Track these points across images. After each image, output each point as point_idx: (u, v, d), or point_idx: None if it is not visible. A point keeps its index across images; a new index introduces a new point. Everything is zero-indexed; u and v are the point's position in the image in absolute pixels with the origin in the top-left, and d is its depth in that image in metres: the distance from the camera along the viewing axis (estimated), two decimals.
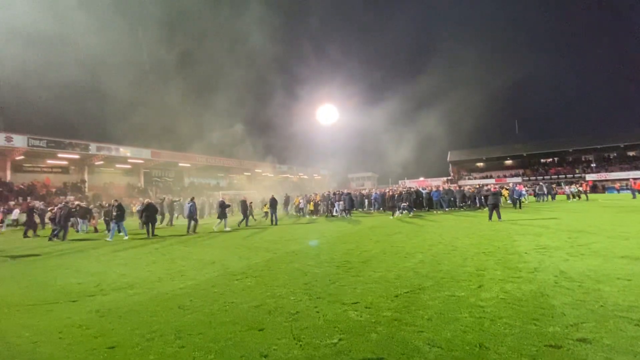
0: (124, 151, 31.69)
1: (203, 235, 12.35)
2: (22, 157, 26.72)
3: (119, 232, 12.05)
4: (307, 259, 6.78)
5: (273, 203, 15.82)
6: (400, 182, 54.63)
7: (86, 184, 30.96)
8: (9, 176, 26.28)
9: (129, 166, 35.64)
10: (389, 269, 5.58)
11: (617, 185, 37.65)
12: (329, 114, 43.35)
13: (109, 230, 12.76)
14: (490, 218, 12.33)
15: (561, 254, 6.12)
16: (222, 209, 13.42)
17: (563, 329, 2.98)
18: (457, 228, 10.84)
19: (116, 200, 13.03)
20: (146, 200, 13.78)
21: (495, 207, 12.30)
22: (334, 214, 19.12)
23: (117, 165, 34.97)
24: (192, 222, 13.21)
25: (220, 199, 15.70)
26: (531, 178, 49.33)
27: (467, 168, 60.49)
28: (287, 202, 22.03)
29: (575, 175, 47.33)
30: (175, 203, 18.68)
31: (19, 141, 24.27)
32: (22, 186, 25.60)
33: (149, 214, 12.35)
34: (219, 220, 13.50)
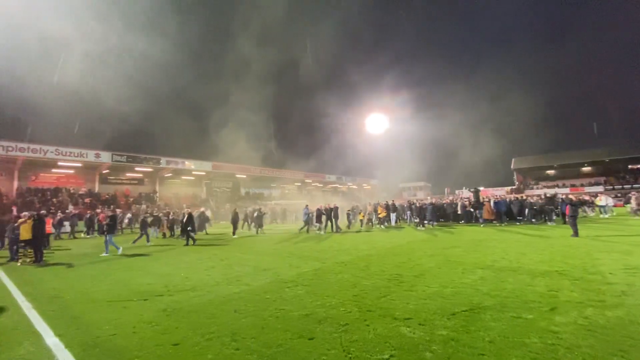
0: (189, 164, 34.78)
1: (257, 242, 12.91)
2: (107, 170, 30.80)
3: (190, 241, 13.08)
4: (356, 270, 6.68)
5: (335, 212, 16.43)
6: (457, 192, 51.38)
7: (157, 194, 34.48)
8: (97, 187, 30.42)
9: (192, 178, 38.95)
10: (445, 285, 5.25)
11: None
12: (379, 122, 42.93)
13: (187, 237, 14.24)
14: (576, 234, 10.59)
15: None
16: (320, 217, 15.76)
17: None
18: (524, 243, 9.83)
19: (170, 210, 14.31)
20: (187, 210, 14.57)
21: (572, 219, 10.77)
22: (392, 224, 18.53)
23: (183, 177, 38.42)
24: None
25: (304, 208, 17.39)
26: (616, 187, 42.92)
27: (535, 176, 54.69)
28: (354, 211, 21.86)
29: None
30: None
31: (105, 157, 28.07)
32: (107, 196, 29.40)
33: (190, 223, 12.99)
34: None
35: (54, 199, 25.26)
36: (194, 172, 36.89)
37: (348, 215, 18.72)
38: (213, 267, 7.83)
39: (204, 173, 37.69)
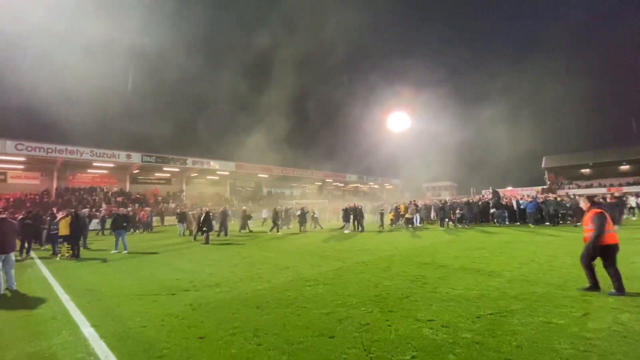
0: (214, 164, 35.83)
1: (278, 241, 13.09)
2: (137, 170, 32.28)
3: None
4: (378, 271, 6.64)
5: (360, 212, 16.64)
6: (483, 191, 49.66)
7: (184, 193, 35.72)
8: (128, 187, 31.94)
9: (217, 177, 40.05)
10: (470, 287, 5.11)
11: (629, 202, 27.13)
12: (402, 120, 42.24)
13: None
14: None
15: None
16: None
17: None
18: (554, 245, 9.37)
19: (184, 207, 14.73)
20: (204, 209, 14.79)
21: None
22: (417, 224, 18.16)
23: (208, 177, 39.58)
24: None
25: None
26: None
27: (568, 175, 51.85)
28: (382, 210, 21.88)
29: None
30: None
31: (136, 158, 29.46)
32: (138, 195, 30.80)
33: (207, 222, 13.01)
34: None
35: (90, 198, 26.76)
36: (218, 172, 37.91)
37: (381, 214, 18.55)
38: (236, 264, 8.03)
39: (227, 173, 38.65)
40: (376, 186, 61.29)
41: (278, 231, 16.60)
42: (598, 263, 4.76)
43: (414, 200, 20.70)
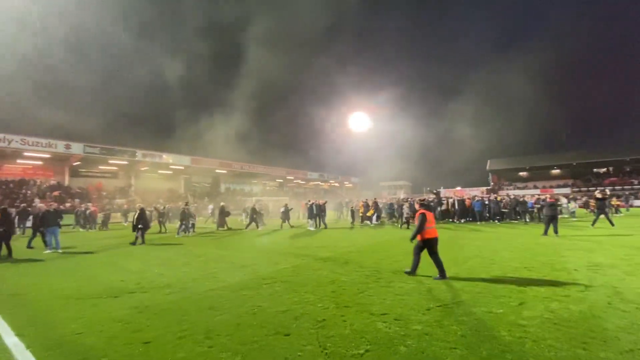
0: (167, 158, 33.75)
1: (236, 238, 12.72)
2: (78, 162, 29.35)
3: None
4: (335, 267, 6.71)
5: (323, 209, 16.97)
6: (438, 191, 52.65)
7: (132, 188, 33.28)
8: (67, 180, 28.96)
9: (170, 172, 37.84)
10: (421, 281, 5.37)
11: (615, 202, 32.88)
12: (361, 121, 43.20)
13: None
14: (545, 232, 11.01)
15: (616, 273, 5.53)
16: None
17: (617, 356, 2.66)
18: (497, 241, 10.21)
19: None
20: (138, 205, 13.56)
21: (552, 219, 11.02)
22: (375, 221, 18.73)
23: (160, 171, 37.26)
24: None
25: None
26: (582, 189, 45.38)
27: (509, 177, 56.98)
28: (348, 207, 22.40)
29: (634, 187, 42.84)
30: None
31: (77, 148, 26.71)
32: (79, 189, 28.07)
33: (142, 219, 11.69)
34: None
35: (20, 192, 23.85)
36: (171, 166, 35.83)
37: (352, 211, 19.05)
38: (189, 263, 7.64)
39: (182, 167, 36.69)
40: (336, 184, 62.24)
41: (258, 227, 16.43)
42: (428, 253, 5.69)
43: (374, 199, 21.37)
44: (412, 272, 5.80)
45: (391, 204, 20.16)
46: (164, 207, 19.55)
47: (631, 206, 29.83)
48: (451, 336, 3.18)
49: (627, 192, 38.88)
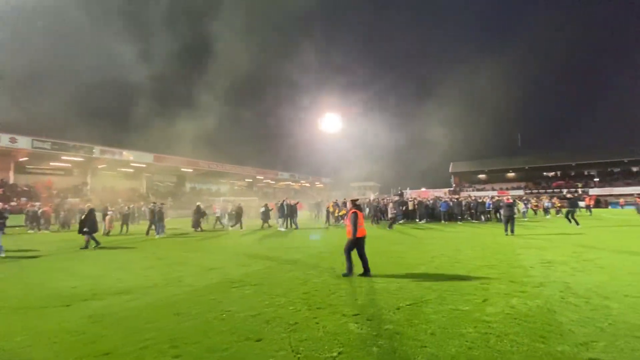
0: (127, 155, 31.76)
1: (204, 241, 12.26)
2: (25, 158, 26.81)
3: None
4: (307, 268, 6.67)
5: (295, 209, 16.91)
6: (402, 192, 54.36)
7: (88, 187, 31.00)
8: (12, 177, 26.34)
9: (131, 170, 35.72)
10: (391, 281, 5.47)
11: (622, 201, 37.25)
12: (331, 122, 43.53)
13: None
14: (506, 231, 11.70)
15: (567, 269, 6.00)
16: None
17: (572, 348, 2.86)
18: (459, 240, 10.70)
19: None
20: (87, 205, 12.18)
21: (510, 219, 11.79)
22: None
23: (120, 169, 35.05)
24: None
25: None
26: (533, 191, 49.06)
27: (469, 180, 60.26)
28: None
29: (578, 189, 47.03)
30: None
31: (24, 143, 24.29)
32: (25, 188, 25.64)
33: (89, 221, 10.39)
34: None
35: None
36: (133, 164, 33.82)
37: (328, 211, 19.03)
38: (151, 267, 7.22)
39: (144, 165, 34.75)
40: (307, 184, 62.23)
41: (241, 228, 16.18)
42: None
43: (345, 199, 21.61)
44: (349, 273, 5.88)
45: (377, 205, 20.59)
46: (129, 208, 18.43)
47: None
48: (421, 334, 3.25)
49: (576, 193, 42.54)
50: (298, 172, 57.51)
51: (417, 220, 19.41)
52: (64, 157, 28.07)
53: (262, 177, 51.53)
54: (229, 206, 20.04)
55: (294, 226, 16.48)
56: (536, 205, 25.82)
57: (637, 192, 35.81)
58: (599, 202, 41.00)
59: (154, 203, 15.95)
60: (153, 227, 14.32)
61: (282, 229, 15.64)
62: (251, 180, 52.01)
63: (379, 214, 19.68)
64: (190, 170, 39.97)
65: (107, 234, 14.74)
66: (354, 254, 5.93)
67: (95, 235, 10.42)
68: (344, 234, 12.55)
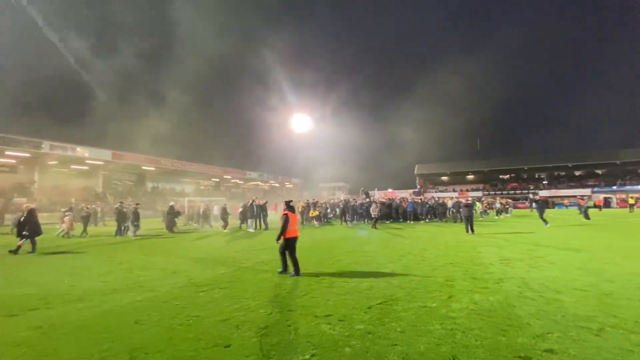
0: (82, 151, 29.49)
1: (165, 243, 11.68)
2: None
3: None
4: (278, 270, 6.56)
5: (265, 209, 16.70)
6: (371, 192, 55.50)
7: (35, 185, 28.39)
8: None
9: (86, 167, 33.24)
10: (361, 280, 5.53)
11: (567, 202, 40.84)
12: (301, 122, 43.51)
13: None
14: (467, 231, 12.27)
15: (522, 265, 6.42)
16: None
17: (530, 340, 3.04)
18: (424, 239, 11.10)
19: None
20: (25, 205, 11.38)
21: (469, 219, 12.41)
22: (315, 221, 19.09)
23: (73, 166, 32.49)
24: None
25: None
26: (490, 193, 52.26)
27: (433, 181, 62.95)
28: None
29: (530, 191, 50.82)
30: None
31: None
32: None
33: (29, 224, 9.47)
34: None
35: None
36: (88, 161, 31.47)
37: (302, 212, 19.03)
38: (109, 272, 6.74)
39: (101, 163, 32.47)
40: (277, 184, 61.60)
41: (225, 229, 15.75)
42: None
43: (315, 199, 21.72)
44: (284, 271, 6.12)
45: (362, 204, 20.94)
46: (88, 208, 17.08)
47: (517, 207, 35.73)
48: (392, 333, 3.30)
49: (529, 195, 45.95)
50: (267, 172, 56.78)
51: (384, 220, 19.99)
52: (8, 152, 25.49)
53: (229, 177, 50.25)
54: (202, 206, 19.55)
55: (264, 226, 16.22)
56: (487, 206, 27.57)
57: (580, 194, 39.33)
58: (547, 203, 44.53)
59: (121, 203, 15.31)
60: (123, 227, 14.01)
61: (252, 230, 15.33)
62: (218, 180, 50.53)
63: (348, 214, 19.94)
64: (152, 168, 38.01)
65: (67, 235, 13.80)
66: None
67: (48, 237, 9.54)
68: (317, 233, 12.49)
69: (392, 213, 20.25)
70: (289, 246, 6.05)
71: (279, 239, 6.04)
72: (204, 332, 3.45)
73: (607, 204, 38.38)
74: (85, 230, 14.90)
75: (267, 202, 17.67)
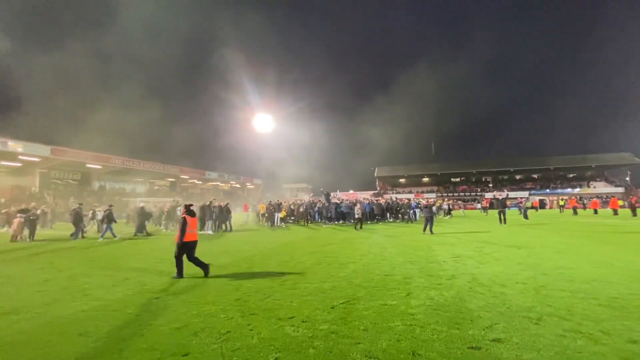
0: (14, 145, 26.35)
1: (121, 246, 10.83)
2: None
3: None
4: (238, 273, 6.40)
5: (227, 210, 16.38)
6: (332, 194, 56.22)
7: None
8: None
9: (19, 164, 29.76)
10: (324, 280, 5.58)
11: (509, 203, 44.64)
12: (265, 122, 42.93)
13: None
14: (424, 230, 12.92)
15: (472, 262, 6.91)
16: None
17: (480, 331, 3.29)
18: (384, 239, 11.50)
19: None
20: None
21: (429, 220, 13.05)
22: (277, 224, 18.84)
23: (4, 163, 28.90)
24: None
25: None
26: (444, 194, 55.60)
27: (391, 183, 65.52)
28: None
29: (478, 193, 54.90)
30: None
31: None
32: None
33: None
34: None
35: None
36: (22, 157, 28.19)
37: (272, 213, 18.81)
38: (48, 280, 6.09)
39: (38, 159, 29.29)
40: (237, 185, 59.99)
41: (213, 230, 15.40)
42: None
43: (278, 200, 21.53)
44: (179, 275, 6.05)
45: (347, 205, 21.09)
46: (32, 210, 15.29)
47: (466, 208, 38.75)
48: (355, 332, 3.37)
49: (500, 196, 49.44)
50: (228, 172, 55.10)
51: (345, 221, 20.40)
52: None
53: (187, 177, 47.98)
54: (167, 206, 18.62)
55: (223, 228, 15.80)
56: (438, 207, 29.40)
57: (520, 196, 43.31)
58: (492, 205, 48.45)
59: (80, 204, 14.45)
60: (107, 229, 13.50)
61: (210, 232, 14.78)
62: (174, 179, 48.02)
63: (309, 215, 20.13)
64: (99, 166, 35.11)
65: (14, 238, 12.65)
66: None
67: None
68: (280, 235, 12.41)
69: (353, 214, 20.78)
70: (187, 250, 6.09)
71: (180, 242, 6.03)
72: (159, 341, 3.25)
73: (542, 205, 42.66)
74: (32, 234, 13.38)
75: (228, 203, 17.18)
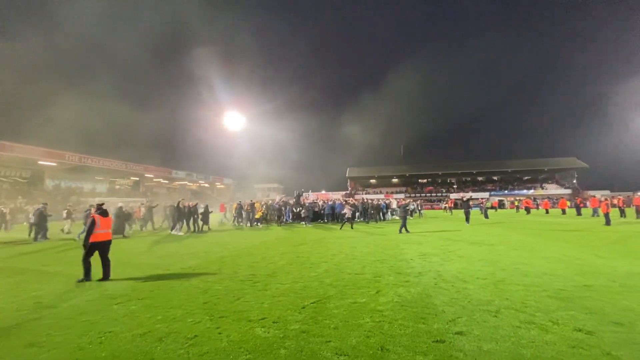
0: None
1: (69, 251, 10.09)
2: None
3: None
4: (207, 275, 6.20)
5: (195, 210, 16.02)
6: (305, 194, 56.16)
7: None
8: None
9: None
10: (296, 280, 5.57)
11: (471, 203, 47.07)
12: (236, 121, 42.04)
13: None
14: (400, 230, 13.20)
15: (437, 260, 7.20)
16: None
17: (444, 325, 3.44)
18: (355, 239, 11.68)
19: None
20: None
21: (403, 219, 13.43)
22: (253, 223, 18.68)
23: None
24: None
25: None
26: (412, 195, 57.53)
27: (363, 184, 66.71)
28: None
29: (443, 194, 57.36)
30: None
31: None
32: None
33: None
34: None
35: None
36: None
37: (248, 212, 18.74)
38: None
39: None
40: (206, 185, 58.21)
41: (204, 230, 15.72)
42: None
43: (251, 200, 21.21)
44: (86, 278, 5.85)
45: (330, 205, 21.13)
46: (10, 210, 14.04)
47: (432, 208, 40.68)
48: (325, 330, 3.40)
49: (466, 197, 51.58)
50: (196, 172, 53.30)
51: (323, 221, 20.63)
52: None
53: (151, 176, 45.80)
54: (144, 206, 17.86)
55: (206, 228, 16.08)
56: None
57: (482, 197, 45.76)
58: (456, 205, 50.90)
59: (45, 204, 13.38)
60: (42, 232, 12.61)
61: (180, 233, 14.21)
62: (138, 178, 45.67)
63: (281, 215, 20.11)
64: (53, 163, 32.57)
65: None
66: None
67: None
68: (252, 236, 12.23)
69: (322, 214, 20.98)
70: (96, 250, 5.94)
71: (85, 242, 5.87)
72: (120, 348, 3.09)
73: (501, 205, 45.41)
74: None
75: (197, 203, 16.67)
